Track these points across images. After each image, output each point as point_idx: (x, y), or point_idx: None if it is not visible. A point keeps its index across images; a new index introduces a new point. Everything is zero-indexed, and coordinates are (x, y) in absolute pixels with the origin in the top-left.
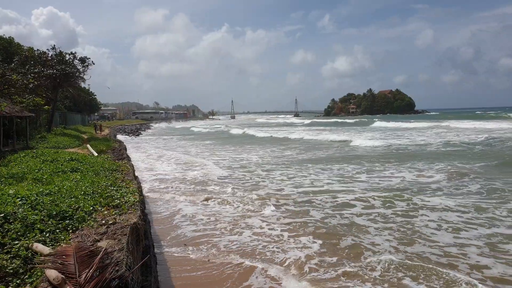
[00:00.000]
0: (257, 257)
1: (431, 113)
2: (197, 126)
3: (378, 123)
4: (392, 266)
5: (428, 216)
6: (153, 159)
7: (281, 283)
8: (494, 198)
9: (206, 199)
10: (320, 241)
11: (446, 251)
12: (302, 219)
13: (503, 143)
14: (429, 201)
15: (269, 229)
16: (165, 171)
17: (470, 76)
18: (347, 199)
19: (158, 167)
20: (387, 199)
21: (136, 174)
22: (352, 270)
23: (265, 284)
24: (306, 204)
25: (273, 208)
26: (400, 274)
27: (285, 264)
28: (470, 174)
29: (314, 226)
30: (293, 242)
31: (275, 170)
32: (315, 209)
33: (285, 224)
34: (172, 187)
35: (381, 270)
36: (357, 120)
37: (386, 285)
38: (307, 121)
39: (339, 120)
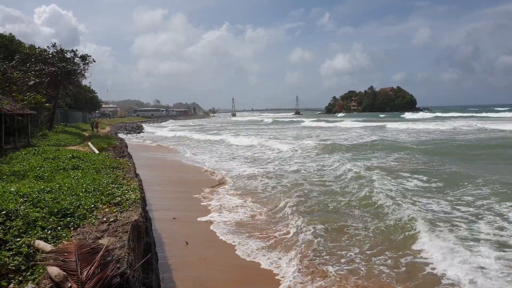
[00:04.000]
0: None
1: (417, 113)
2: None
3: (307, 123)
4: None
5: None
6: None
7: None
8: None
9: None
10: None
11: None
12: None
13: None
14: None
15: None
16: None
17: (469, 74)
18: None
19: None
20: None
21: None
22: None
23: None
24: None
25: None
26: None
27: None
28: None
29: None
30: None
31: None
32: None
33: None
34: None
35: None
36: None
37: None
38: (269, 120)
39: (294, 119)
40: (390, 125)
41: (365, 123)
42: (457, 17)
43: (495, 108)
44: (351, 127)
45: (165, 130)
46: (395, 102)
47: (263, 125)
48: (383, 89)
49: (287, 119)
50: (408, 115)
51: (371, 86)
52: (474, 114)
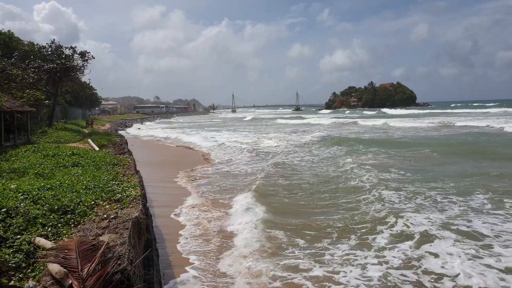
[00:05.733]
0: None
1: (406, 108)
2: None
3: (279, 120)
4: None
5: None
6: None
7: None
8: None
9: None
10: None
11: None
12: None
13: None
14: None
15: None
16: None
17: (469, 69)
18: None
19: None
20: None
21: None
22: None
23: None
24: None
25: None
26: None
27: None
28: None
29: None
30: None
31: None
32: None
33: None
34: None
35: None
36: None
37: None
38: (249, 117)
39: (277, 115)
40: (361, 122)
41: (338, 119)
42: (456, 12)
43: (473, 104)
44: (317, 123)
45: (157, 130)
46: (395, 97)
47: (243, 121)
48: (383, 85)
49: (268, 116)
50: (389, 111)
51: (371, 82)
52: (454, 111)
